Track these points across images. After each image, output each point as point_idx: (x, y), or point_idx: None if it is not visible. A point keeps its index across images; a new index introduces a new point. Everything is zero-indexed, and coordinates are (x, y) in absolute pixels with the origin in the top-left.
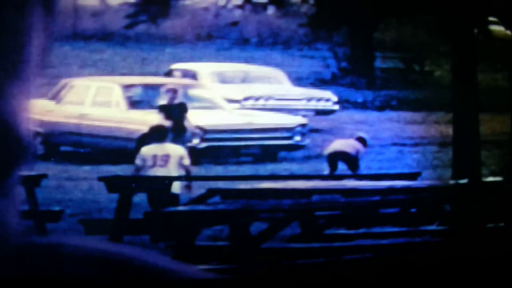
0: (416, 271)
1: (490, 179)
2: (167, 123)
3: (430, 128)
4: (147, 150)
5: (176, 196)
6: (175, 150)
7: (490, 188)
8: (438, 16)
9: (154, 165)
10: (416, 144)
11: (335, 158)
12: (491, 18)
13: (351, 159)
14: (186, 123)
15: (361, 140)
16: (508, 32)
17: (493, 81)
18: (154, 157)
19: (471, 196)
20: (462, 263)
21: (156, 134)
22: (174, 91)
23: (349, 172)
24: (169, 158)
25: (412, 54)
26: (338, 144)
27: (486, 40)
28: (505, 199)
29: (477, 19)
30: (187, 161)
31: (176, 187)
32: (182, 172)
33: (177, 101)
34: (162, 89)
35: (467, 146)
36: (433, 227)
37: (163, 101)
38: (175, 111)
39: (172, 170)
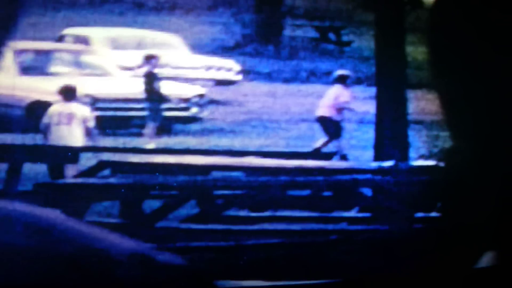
0: (329, 258)
1: (419, 163)
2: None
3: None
4: (53, 108)
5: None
6: (80, 110)
7: (419, 173)
8: None
9: (59, 123)
10: None
11: (322, 123)
12: None
13: (333, 125)
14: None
15: (341, 79)
16: None
17: (424, 55)
18: (59, 114)
19: (397, 181)
20: (384, 251)
21: (64, 94)
22: (155, 58)
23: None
24: (73, 117)
25: (327, 22)
26: (324, 103)
27: (415, 10)
28: (437, 185)
29: None
30: (91, 123)
31: (79, 142)
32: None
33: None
34: (143, 56)
35: (392, 125)
36: (351, 214)
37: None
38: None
39: (76, 129)
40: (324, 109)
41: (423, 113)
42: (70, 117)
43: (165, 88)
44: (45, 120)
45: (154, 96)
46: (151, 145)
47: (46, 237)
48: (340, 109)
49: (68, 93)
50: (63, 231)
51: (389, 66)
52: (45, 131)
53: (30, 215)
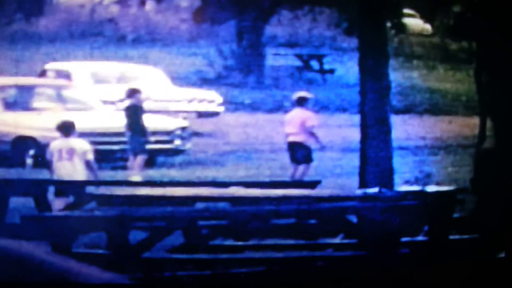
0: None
1: (404, 188)
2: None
3: (330, 132)
4: (54, 145)
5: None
6: (80, 145)
7: (404, 199)
8: (341, 8)
9: (60, 159)
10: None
11: (293, 149)
12: (406, 11)
13: (306, 150)
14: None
15: (300, 101)
16: (427, 26)
17: (409, 80)
18: (60, 151)
19: (382, 207)
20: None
21: (61, 129)
22: (138, 92)
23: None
24: (73, 152)
25: (309, 50)
26: (292, 128)
27: (399, 35)
28: (422, 210)
29: (389, 11)
30: (90, 156)
31: (82, 176)
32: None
33: (141, 102)
34: (125, 90)
35: (377, 152)
36: (336, 241)
37: (127, 102)
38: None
39: (77, 163)
40: (294, 136)
41: (408, 138)
42: (71, 152)
43: (148, 121)
44: (47, 156)
45: (137, 129)
46: (135, 178)
47: (19, 270)
48: (310, 134)
49: (67, 129)
50: (37, 264)
51: (373, 93)
52: (48, 167)
53: (8, 249)
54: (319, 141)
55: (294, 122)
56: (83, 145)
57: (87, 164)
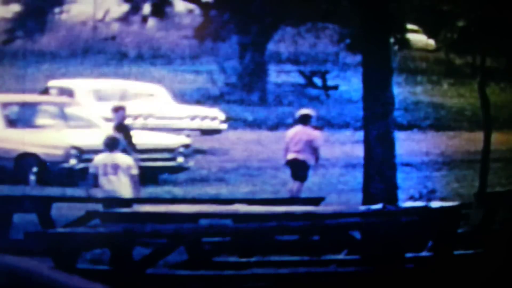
0: None
1: (409, 204)
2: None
3: (334, 149)
4: (98, 159)
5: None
6: (123, 160)
7: (408, 214)
8: (344, 24)
9: (105, 174)
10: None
11: (294, 166)
12: (409, 26)
13: (306, 168)
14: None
15: (305, 119)
16: (430, 41)
17: (412, 95)
18: (105, 166)
19: (386, 223)
20: None
21: (107, 144)
22: (124, 109)
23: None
24: (118, 167)
25: (312, 67)
26: (295, 146)
27: (403, 50)
28: (427, 226)
29: (392, 27)
30: (134, 171)
31: (127, 190)
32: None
33: (124, 119)
34: (112, 108)
35: (381, 167)
36: (340, 257)
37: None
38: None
39: (122, 178)
40: (296, 154)
41: (412, 154)
42: (115, 167)
43: (151, 138)
44: (91, 169)
45: (126, 147)
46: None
47: (23, 287)
48: (313, 153)
49: (111, 144)
50: (41, 281)
51: (377, 108)
52: (92, 180)
53: (11, 265)
54: (319, 160)
55: (296, 140)
56: (127, 160)
57: (132, 178)
